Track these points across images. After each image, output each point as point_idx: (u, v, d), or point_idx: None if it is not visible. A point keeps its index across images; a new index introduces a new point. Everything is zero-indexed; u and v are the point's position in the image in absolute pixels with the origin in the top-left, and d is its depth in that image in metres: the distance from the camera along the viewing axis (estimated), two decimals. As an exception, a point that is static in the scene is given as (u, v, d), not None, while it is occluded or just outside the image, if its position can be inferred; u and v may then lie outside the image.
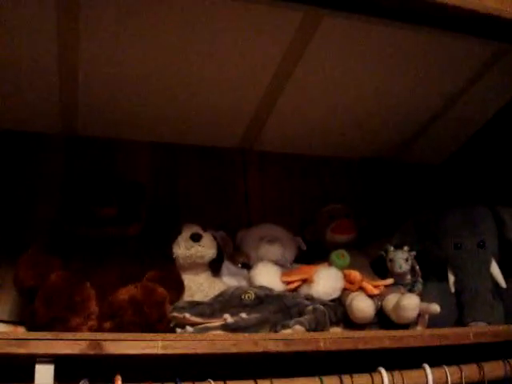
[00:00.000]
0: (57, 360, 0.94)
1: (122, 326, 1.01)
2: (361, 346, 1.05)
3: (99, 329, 1.02)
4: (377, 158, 1.73)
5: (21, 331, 1.05)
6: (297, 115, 1.48)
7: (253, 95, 1.38)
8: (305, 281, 1.24)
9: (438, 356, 1.15)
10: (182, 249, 1.21)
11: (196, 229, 1.24)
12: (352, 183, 1.69)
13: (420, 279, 1.33)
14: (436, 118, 1.55)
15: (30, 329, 1.05)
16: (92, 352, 0.92)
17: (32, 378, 0.93)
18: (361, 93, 1.41)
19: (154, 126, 1.47)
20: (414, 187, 1.73)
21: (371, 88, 1.40)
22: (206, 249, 1.22)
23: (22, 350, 0.91)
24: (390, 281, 1.28)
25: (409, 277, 1.33)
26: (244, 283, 1.25)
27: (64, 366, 0.96)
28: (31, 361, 0.93)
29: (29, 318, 1.06)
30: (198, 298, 1.17)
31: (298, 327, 1.06)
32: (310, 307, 1.13)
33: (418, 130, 1.60)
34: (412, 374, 1.07)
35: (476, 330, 1.18)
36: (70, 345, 0.92)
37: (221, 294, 1.14)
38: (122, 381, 0.92)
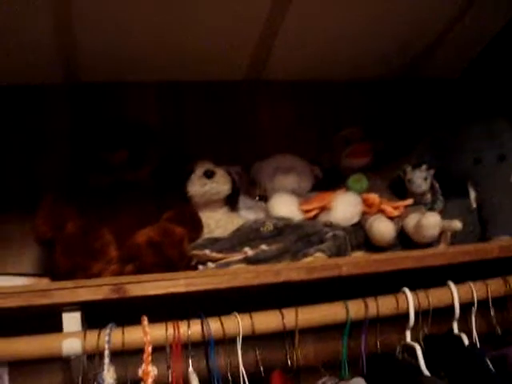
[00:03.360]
0: (82, 307, 0.96)
1: (143, 268, 1.01)
2: (383, 268, 1.05)
3: (121, 273, 1.03)
4: (390, 79, 1.68)
5: (45, 282, 1.06)
6: (302, 40, 1.42)
7: (255, 24, 1.33)
8: (323, 208, 1.22)
9: (464, 274, 1.14)
10: (197, 187, 1.19)
11: (209, 166, 1.22)
12: (366, 106, 1.64)
13: (440, 197, 1.31)
14: (447, 30, 1.48)
15: (53, 279, 1.06)
16: (115, 296, 0.94)
17: (60, 327, 0.95)
18: (367, 10, 1.35)
19: (157, 65, 1.42)
20: (431, 104, 1.67)
21: (377, 7, 1.33)
22: (221, 185, 1.20)
23: (46, 301, 0.93)
24: (409, 201, 1.27)
25: (429, 196, 1.31)
26: (262, 215, 1.24)
27: (90, 312, 0.97)
28: (58, 310, 0.96)
29: (51, 268, 1.08)
30: (217, 234, 1.16)
31: (318, 254, 1.06)
32: (330, 234, 1.13)
33: (431, 42, 1.54)
34: (437, 293, 1.07)
35: (500, 244, 1.17)
36: (93, 291, 0.94)
37: (239, 229, 1.13)
38: (149, 321, 0.94)
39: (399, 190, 1.35)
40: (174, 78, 1.49)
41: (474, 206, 1.28)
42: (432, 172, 1.30)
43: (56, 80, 1.40)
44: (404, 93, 1.67)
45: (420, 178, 1.29)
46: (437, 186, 1.30)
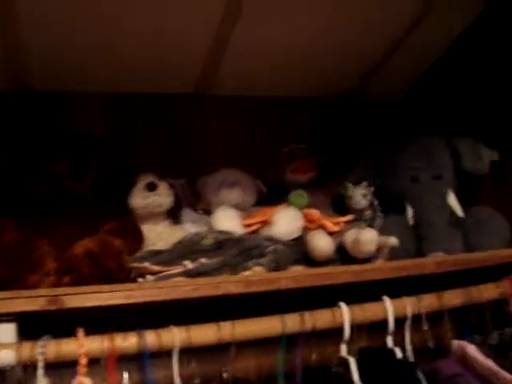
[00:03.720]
0: (19, 318, 0.95)
1: (81, 280, 1.00)
2: (321, 283, 1.07)
3: (58, 284, 1.02)
4: (335, 96, 1.72)
5: (-20, 292, 1.04)
6: (250, 56, 1.45)
7: (203, 38, 1.35)
8: (265, 222, 1.24)
9: (401, 289, 1.16)
10: (139, 199, 1.20)
11: (151, 178, 1.22)
12: (311, 123, 1.68)
13: (380, 214, 1.35)
14: (392, 51, 1.53)
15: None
16: (52, 307, 0.92)
17: (-5, 338, 0.94)
18: (313, 31, 1.38)
19: (105, 75, 1.42)
20: (374, 124, 1.73)
21: (323, 25, 1.37)
22: (163, 197, 1.21)
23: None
24: (349, 217, 1.30)
25: (368, 212, 1.35)
26: (205, 229, 1.25)
27: (26, 323, 0.96)
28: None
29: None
30: (158, 247, 1.17)
31: (257, 268, 1.08)
32: (271, 248, 1.15)
33: (374, 65, 1.59)
34: (372, 307, 1.09)
35: (435, 260, 1.21)
36: (30, 302, 0.92)
37: (180, 241, 1.14)
38: (85, 333, 0.93)
39: (341, 206, 1.39)
40: (122, 90, 1.49)
41: (411, 223, 1.32)
42: (372, 189, 1.34)
43: (2, 87, 1.39)
44: (349, 111, 1.72)
45: (360, 195, 1.33)
46: (376, 203, 1.34)
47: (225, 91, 1.59)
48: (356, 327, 1.07)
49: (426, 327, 1.13)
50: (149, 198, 1.20)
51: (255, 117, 1.64)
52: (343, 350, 1.07)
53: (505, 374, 0.99)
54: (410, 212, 1.33)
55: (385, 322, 1.10)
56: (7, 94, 1.41)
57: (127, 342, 0.93)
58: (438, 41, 1.53)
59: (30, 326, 0.95)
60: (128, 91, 1.50)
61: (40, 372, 0.90)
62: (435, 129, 1.43)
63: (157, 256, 1.09)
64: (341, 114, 1.71)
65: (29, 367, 0.91)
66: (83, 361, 0.90)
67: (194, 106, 1.58)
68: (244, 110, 1.63)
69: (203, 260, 1.09)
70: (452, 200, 1.32)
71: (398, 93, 1.76)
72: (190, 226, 1.27)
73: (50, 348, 0.90)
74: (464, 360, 1.08)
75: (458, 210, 1.32)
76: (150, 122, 1.53)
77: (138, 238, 1.14)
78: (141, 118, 1.52)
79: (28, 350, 0.90)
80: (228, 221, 1.23)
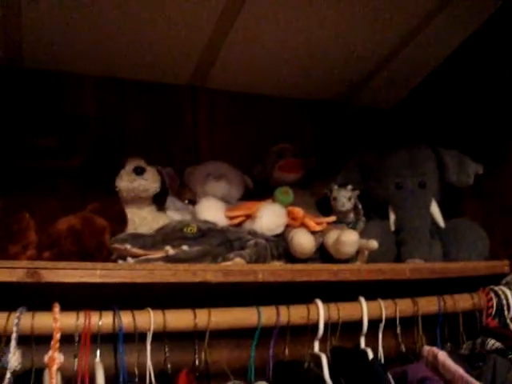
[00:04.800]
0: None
1: (61, 256, 1.01)
2: (298, 278, 1.08)
3: (38, 258, 1.02)
4: (327, 100, 1.74)
5: (-42, 260, 1.04)
6: (246, 54, 1.46)
7: (202, 32, 1.36)
8: (248, 216, 1.25)
9: (376, 292, 1.18)
10: (125, 182, 1.20)
11: (139, 162, 1.23)
12: (302, 124, 1.70)
13: (362, 217, 1.37)
14: (387, 61, 1.55)
15: (-33, 258, 1.04)
16: (30, 280, 0.93)
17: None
18: (310, 34, 1.40)
19: (102, 59, 1.43)
20: (363, 131, 1.75)
21: (321, 29, 1.38)
22: (150, 182, 1.21)
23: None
24: (332, 218, 1.31)
25: (352, 215, 1.36)
26: (189, 218, 1.25)
27: (2, 294, 0.96)
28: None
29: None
30: (141, 231, 1.17)
31: (238, 259, 1.08)
32: (252, 241, 1.15)
33: (368, 73, 1.61)
34: (347, 306, 1.11)
35: (413, 266, 1.23)
36: (8, 272, 0.92)
37: (163, 227, 1.14)
38: (61, 309, 0.93)
39: (325, 207, 1.40)
40: (118, 75, 1.50)
41: (393, 228, 1.34)
42: (357, 193, 1.35)
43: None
44: (339, 116, 1.74)
45: (345, 198, 1.34)
46: (360, 206, 1.36)
47: (217, 85, 1.60)
48: (330, 325, 1.09)
49: (399, 331, 1.15)
50: (135, 181, 1.20)
51: (246, 113, 1.65)
52: (316, 346, 1.08)
53: (474, 381, 1.01)
54: (392, 217, 1.34)
55: (359, 322, 1.12)
56: (2, 69, 1.40)
57: (103, 320, 0.93)
58: (434, 52, 1.55)
59: (7, 298, 0.95)
60: (122, 76, 1.50)
61: (13, 343, 0.90)
62: (423, 139, 1.45)
63: (139, 239, 1.09)
64: (332, 118, 1.74)
65: (2, 338, 0.92)
66: (57, 336, 0.91)
67: (186, 97, 1.59)
68: (235, 106, 1.64)
69: (185, 247, 1.09)
70: (435, 209, 1.33)
71: (391, 101, 1.78)
72: (174, 214, 1.28)
73: (24, 320, 0.90)
74: (434, 365, 1.10)
75: (440, 220, 1.33)
76: (142, 108, 1.53)
77: (121, 220, 1.14)
78: (133, 104, 1.52)
79: (3, 321, 0.90)
80: (212, 211, 1.24)
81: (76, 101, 1.44)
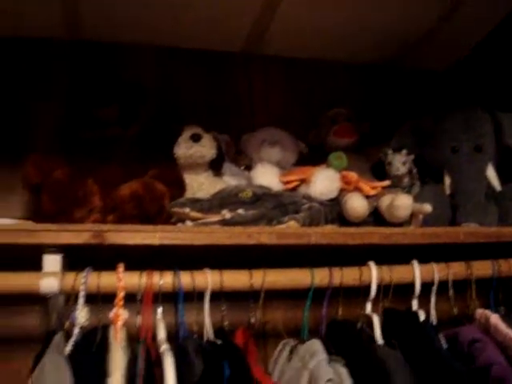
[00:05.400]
0: (65, 251, 1.01)
1: (123, 219, 1.06)
2: (350, 241, 1.10)
3: (103, 222, 1.08)
4: (381, 64, 1.72)
5: (30, 223, 1.11)
6: (300, 18, 1.46)
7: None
8: (303, 181, 1.28)
9: (430, 256, 1.19)
10: (183, 149, 1.24)
11: (196, 130, 1.27)
12: (356, 88, 1.69)
13: (417, 182, 1.37)
14: (443, 20, 1.52)
15: (37, 222, 1.11)
16: (95, 242, 0.99)
17: (40, 270, 1.01)
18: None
19: (158, 29, 1.47)
20: (417, 92, 1.73)
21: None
22: (206, 149, 1.25)
23: (31, 240, 0.97)
24: (386, 182, 1.32)
25: (406, 179, 1.36)
26: (245, 183, 1.29)
27: (70, 256, 1.03)
28: (40, 251, 1.00)
29: (37, 213, 1.13)
30: (199, 196, 1.21)
31: (291, 223, 1.11)
32: (306, 205, 1.18)
33: (423, 34, 1.58)
34: (400, 269, 1.12)
35: (467, 230, 1.22)
36: (75, 235, 0.98)
37: (220, 192, 1.18)
38: (124, 269, 0.99)
39: (380, 172, 1.41)
40: (174, 44, 1.53)
41: (448, 192, 1.33)
42: (411, 157, 1.35)
43: (57, 35, 1.44)
44: (393, 79, 1.73)
45: (399, 162, 1.34)
46: (414, 170, 1.36)
47: (271, 51, 1.62)
48: (383, 288, 1.11)
49: (451, 294, 1.16)
50: (192, 148, 1.24)
51: (300, 78, 1.66)
52: (368, 308, 1.10)
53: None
54: (447, 181, 1.33)
55: (411, 285, 1.14)
56: (63, 43, 1.46)
57: (163, 279, 0.99)
58: (493, 11, 1.51)
59: (74, 259, 1.02)
60: (178, 45, 1.54)
61: (81, 301, 0.97)
62: (479, 102, 1.43)
63: (197, 203, 1.14)
64: (385, 82, 1.72)
65: (70, 297, 0.99)
66: (121, 294, 0.97)
67: (240, 64, 1.61)
68: (289, 71, 1.65)
69: (241, 211, 1.13)
70: (491, 173, 1.32)
71: (445, 63, 1.75)
72: (230, 179, 1.31)
73: (91, 279, 0.97)
74: (486, 328, 1.10)
75: (496, 184, 1.32)
76: (198, 77, 1.57)
77: (180, 186, 1.19)
78: (189, 73, 1.56)
79: (71, 279, 0.97)
80: (267, 177, 1.27)
81: (135, 71, 1.49)
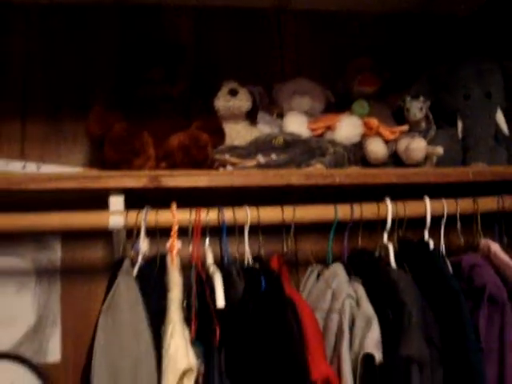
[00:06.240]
0: (126, 194, 1.20)
1: (174, 166, 1.24)
2: (370, 181, 1.26)
3: (157, 168, 1.26)
4: (404, 12, 1.80)
5: (96, 171, 1.29)
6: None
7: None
8: (329, 128, 1.43)
9: (443, 194, 1.32)
10: (222, 102, 1.39)
11: (233, 85, 1.42)
12: (380, 37, 1.78)
13: (433, 126, 1.50)
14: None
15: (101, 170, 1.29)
16: (152, 185, 1.17)
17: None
18: None
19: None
20: (437, 40, 1.81)
21: None
22: (243, 102, 1.40)
23: (98, 185, 1.16)
24: (405, 127, 1.45)
25: (423, 124, 1.49)
26: (277, 131, 1.45)
27: (130, 198, 1.21)
28: (105, 195, 1.19)
29: (100, 161, 1.31)
30: (237, 143, 1.37)
31: (318, 165, 1.28)
32: (332, 150, 1.34)
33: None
34: (413, 204, 1.28)
35: (475, 170, 1.35)
36: (135, 180, 1.17)
37: (255, 139, 1.34)
38: (177, 207, 1.18)
39: (400, 117, 1.54)
40: (209, 3, 1.66)
41: (460, 135, 1.46)
42: (428, 103, 1.48)
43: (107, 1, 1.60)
44: (414, 27, 1.81)
45: (416, 108, 1.47)
46: (430, 116, 1.49)
47: (300, 6, 1.72)
48: (397, 221, 1.26)
49: (459, 226, 1.30)
50: (230, 101, 1.39)
51: (327, 30, 1.76)
52: (385, 237, 1.27)
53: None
54: (460, 125, 1.46)
55: (424, 219, 1.28)
56: (113, 8, 1.61)
57: (209, 215, 1.17)
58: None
59: (134, 201, 1.20)
60: (213, 4, 1.66)
61: (142, 233, 1.16)
62: (494, 50, 1.52)
63: (235, 150, 1.31)
64: (410, 30, 1.81)
65: (133, 231, 1.17)
66: (175, 227, 1.16)
67: (271, 19, 1.72)
68: (317, 24, 1.75)
69: (273, 156, 1.30)
70: (500, 117, 1.45)
71: (466, 10, 1.82)
72: (264, 127, 1.46)
73: (150, 216, 1.16)
74: (488, 256, 1.26)
75: (504, 128, 1.45)
76: (233, 34, 1.68)
77: (220, 135, 1.35)
78: (224, 31, 1.68)
79: (134, 217, 1.16)
80: (297, 124, 1.42)
81: (174, 31, 1.63)
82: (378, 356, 1.03)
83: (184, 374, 0.95)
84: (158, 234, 1.17)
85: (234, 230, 1.21)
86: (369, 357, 1.04)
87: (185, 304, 1.07)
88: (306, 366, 1.00)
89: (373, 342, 1.03)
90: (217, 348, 1.01)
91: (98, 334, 1.00)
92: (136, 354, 0.98)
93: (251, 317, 1.04)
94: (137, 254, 1.17)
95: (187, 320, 1.04)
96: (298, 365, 1.00)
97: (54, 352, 1.43)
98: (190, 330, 1.04)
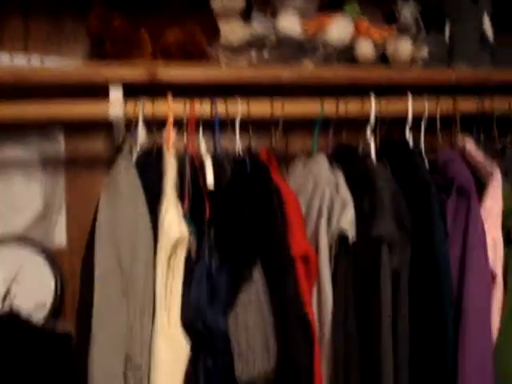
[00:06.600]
0: (124, 88, 1.25)
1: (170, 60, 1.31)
2: (358, 77, 1.35)
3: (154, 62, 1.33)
4: None
5: (97, 62, 1.36)
6: None
7: None
8: (321, 28, 1.47)
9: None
10: (218, 0, 1.44)
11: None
12: None
13: (423, 31, 1.54)
14: None
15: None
16: (149, 77, 1.24)
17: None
18: None
19: None
20: None
21: None
22: (238, 1, 1.43)
23: (96, 75, 1.23)
24: (393, 29, 1.50)
25: (413, 28, 1.54)
26: (270, 30, 1.49)
27: (129, 93, 1.27)
28: (106, 89, 1.24)
29: (99, 56, 1.37)
30: (231, 40, 1.41)
31: (307, 62, 1.35)
32: (322, 49, 1.40)
33: None
34: (396, 101, 1.35)
35: (458, 73, 1.42)
36: (133, 71, 1.24)
37: (249, 38, 1.39)
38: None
39: (391, 21, 1.58)
40: None
41: (447, 39, 1.51)
42: (418, 8, 1.52)
43: None
44: None
45: (408, 12, 1.51)
46: (421, 21, 1.53)
47: None
48: (380, 119, 1.34)
49: (438, 125, 1.38)
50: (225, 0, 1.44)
51: None
52: (368, 132, 1.34)
53: (486, 163, 1.27)
54: (447, 30, 1.51)
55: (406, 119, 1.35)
56: None
57: (203, 107, 1.25)
58: None
59: (132, 94, 1.26)
60: None
61: (140, 123, 1.24)
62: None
63: (229, 47, 1.37)
64: None
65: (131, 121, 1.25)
66: (171, 118, 1.24)
67: None
68: None
69: (265, 53, 1.36)
70: (486, 23, 1.49)
71: None
72: (258, 26, 1.50)
73: (147, 106, 1.23)
74: (462, 152, 1.35)
75: (490, 34, 1.49)
76: None
77: (216, 32, 1.40)
78: None
79: (132, 106, 1.24)
80: (290, 24, 1.46)
81: None
82: (352, 234, 1.14)
83: (177, 243, 1.06)
84: (155, 125, 1.25)
85: (227, 125, 1.28)
86: (343, 238, 1.16)
87: (179, 185, 1.16)
88: (287, 242, 1.11)
89: (347, 220, 1.14)
90: (207, 223, 1.12)
91: (99, 208, 1.11)
92: (134, 224, 1.09)
93: (238, 196, 1.14)
94: (135, 143, 1.25)
95: (181, 198, 1.14)
96: (280, 241, 1.11)
97: (60, 237, 1.55)
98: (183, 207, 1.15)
